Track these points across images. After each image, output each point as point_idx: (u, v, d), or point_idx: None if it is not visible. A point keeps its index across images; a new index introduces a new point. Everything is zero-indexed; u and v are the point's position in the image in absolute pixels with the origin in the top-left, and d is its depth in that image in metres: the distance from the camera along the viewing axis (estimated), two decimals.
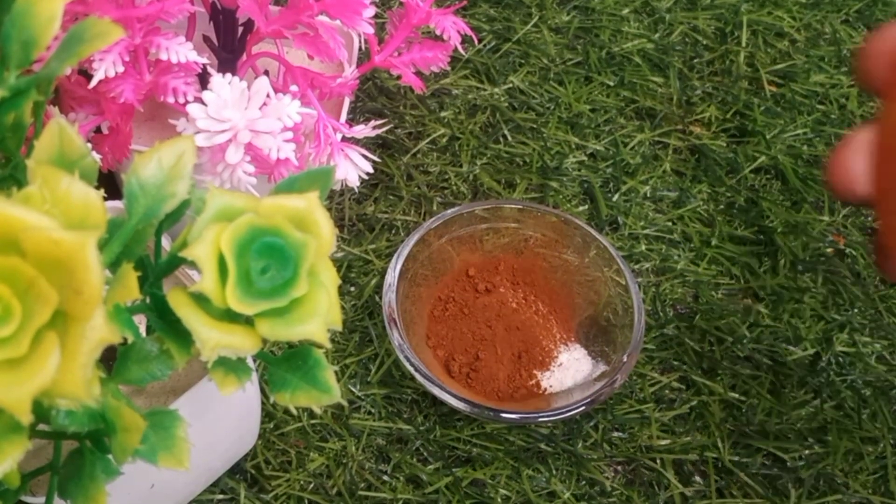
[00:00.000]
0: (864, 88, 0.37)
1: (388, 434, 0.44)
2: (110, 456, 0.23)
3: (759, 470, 0.45)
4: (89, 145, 0.37)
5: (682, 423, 0.46)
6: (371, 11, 0.40)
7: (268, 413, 0.44)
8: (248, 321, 0.21)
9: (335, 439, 0.44)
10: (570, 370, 0.46)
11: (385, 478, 0.43)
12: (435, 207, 0.52)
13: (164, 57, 0.39)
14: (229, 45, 0.44)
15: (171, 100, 0.40)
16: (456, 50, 0.45)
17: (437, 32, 0.44)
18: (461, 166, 0.55)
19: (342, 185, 0.44)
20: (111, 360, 0.23)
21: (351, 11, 0.40)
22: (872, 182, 0.35)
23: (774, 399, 0.47)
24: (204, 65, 0.40)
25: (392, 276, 0.45)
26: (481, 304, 0.47)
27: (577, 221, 0.48)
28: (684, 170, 0.56)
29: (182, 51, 0.39)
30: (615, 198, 0.54)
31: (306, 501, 0.42)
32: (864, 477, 0.45)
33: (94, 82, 0.38)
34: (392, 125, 0.56)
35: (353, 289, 0.49)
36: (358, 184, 0.43)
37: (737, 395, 0.47)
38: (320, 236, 0.22)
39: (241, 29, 0.43)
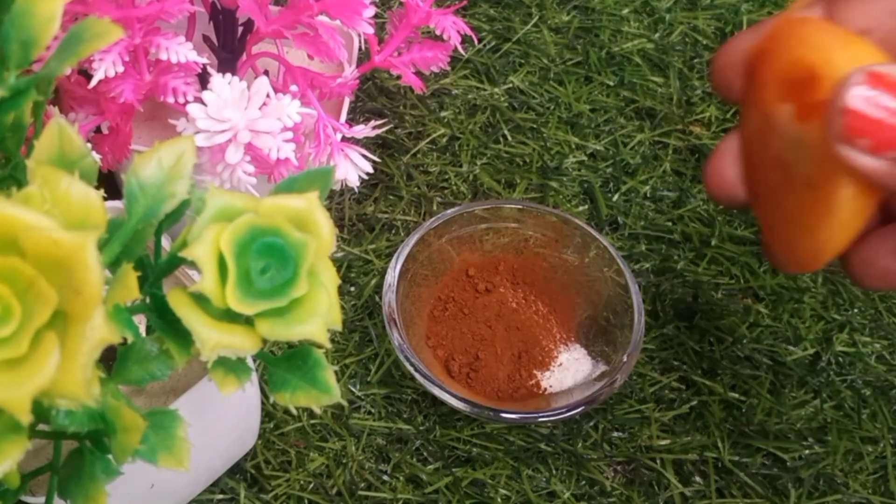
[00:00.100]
0: (722, 97, 0.38)
1: (388, 434, 0.44)
2: (110, 456, 0.23)
3: (759, 470, 0.45)
4: (89, 145, 0.37)
5: (682, 423, 0.46)
6: (371, 11, 0.40)
7: (268, 413, 0.44)
8: (248, 321, 0.21)
9: (335, 439, 0.44)
10: (570, 370, 0.46)
11: (385, 478, 0.43)
12: (435, 207, 0.52)
13: (164, 57, 0.39)
14: (229, 45, 0.44)
15: (171, 100, 0.40)
16: (456, 50, 0.45)
17: (437, 32, 0.44)
18: (461, 166, 0.55)
19: (342, 185, 0.44)
20: (111, 360, 0.23)
21: (351, 11, 0.40)
22: (745, 187, 0.36)
23: (774, 399, 0.47)
24: (204, 65, 0.40)
25: (392, 276, 0.45)
26: (481, 304, 0.47)
27: (577, 221, 0.48)
28: (684, 170, 0.56)
29: (182, 51, 0.39)
30: (615, 198, 0.54)
31: (306, 501, 0.42)
32: (864, 477, 0.45)
33: (93, 82, 0.38)
34: (392, 125, 0.56)
35: (353, 289, 0.49)
36: (358, 184, 0.43)
37: (737, 395, 0.47)
38: (320, 236, 0.22)
39: (241, 29, 0.43)
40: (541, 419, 0.42)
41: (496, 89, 0.59)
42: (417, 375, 0.42)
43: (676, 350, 0.48)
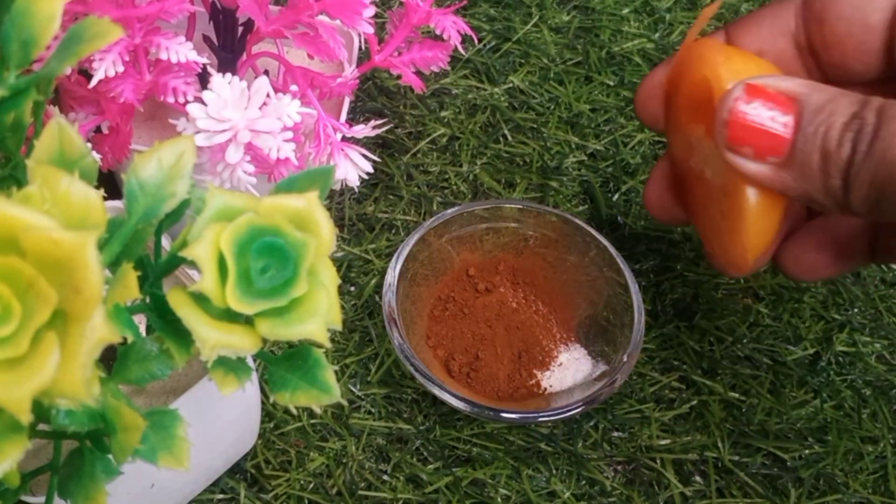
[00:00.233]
0: (649, 128, 0.42)
1: (388, 434, 0.44)
2: (110, 456, 0.23)
3: (759, 470, 0.45)
4: (89, 145, 0.37)
5: (682, 422, 0.46)
6: (371, 11, 0.40)
7: (268, 413, 0.44)
8: (247, 321, 0.21)
9: (335, 439, 0.44)
10: (570, 370, 0.46)
11: (385, 477, 0.43)
12: (435, 207, 0.52)
13: (164, 57, 0.39)
14: (229, 45, 0.44)
15: (171, 100, 0.40)
16: (456, 50, 0.45)
17: (437, 32, 0.44)
18: (461, 166, 0.55)
19: (342, 184, 0.44)
20: (111, 359, 0.23)
21: (351, 11, 0.40)
22: (682, 205, 0.40)
23: (774, 399, 0.47)
24: (204, 65, 0.40)
25: (392, 275, 0.45)
26: (481, 304, 0.47)
27: (577, 221, 0.48)
28: None
29: (182, 51, 0.39)
30: (615, 198, 0.54)
31: (306, 501, 0.42)
32: (864, 477, 0.45)
33: (94, 82, 0.38)
34: (392, 125, 0.56)
35: (353, 289, 0.49)
36: (358, 183, 0.43)
37: (737, 395, 0.47)
38: (320, 236, 0.22)
39: (241, 29, 0.43)
40: (541, 419, 0.42)
41: (496, 89, 0.59)
42: (417, 375, 0.42)
43: (676, 350, 0.48)
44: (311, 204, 0.22)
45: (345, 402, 0.45)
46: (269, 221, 0.21)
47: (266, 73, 0.44)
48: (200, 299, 0.21)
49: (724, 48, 0.37)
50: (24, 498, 0.32)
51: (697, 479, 0.44)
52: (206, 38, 0.44)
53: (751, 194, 0.35)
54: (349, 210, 0.52)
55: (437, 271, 0.48)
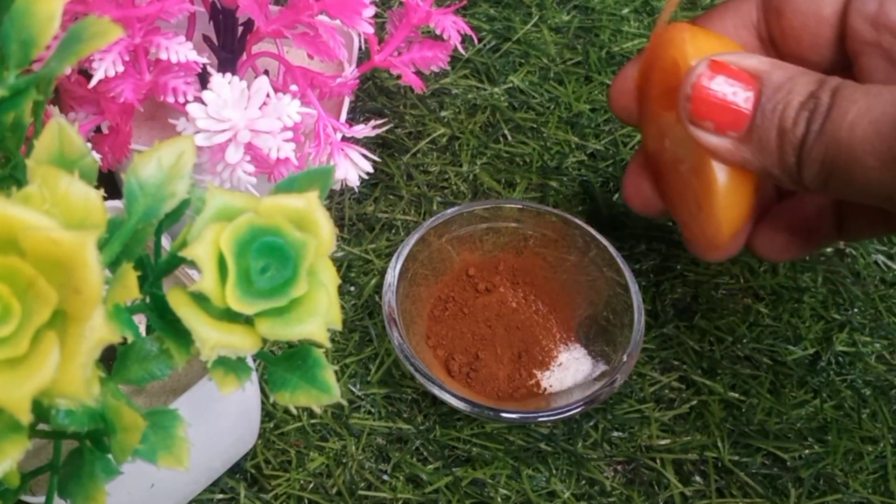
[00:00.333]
0: (624, 122, 0.43)
1: (388, 434, 0.44)
2: (110, 456, 0.23)
3: (759, 470, 0.45)
4: (89, 145, 0.37)
5: (682, 422, 0.46)
6: (371, 11, 0.40)
7: (268, 413, 0.44)
8: (247, 321, 0.21)
9: (335, 439, 0.44)
10: (570, 370, 0.46)
11: (385, 477, 0.43)
12: (435, 207, 0.52)
13: (164, 57, 0.39)
14: (229, 45, 0.44)
15: (171, 99, 0.40)
16: (456, 49, 0.45)
17: (437, 32, 0.44)
18: (461, 166, 0.55)
19: (342, 184, 0.44)
20: (111, 359, 0.23)
21: (351, 11, 0.40)
22: (660, 195, 0.40)
23: (774, 399, 0.47)
24: (204, 64, 0.40)
25: (392, 275, 0.45)
26: (481, 304, 0.47)
27: (577, 221, 0.48)
28: None
29: (182, 50, 0.39)
30: (615, 198, 0.54)
31: (306, 501, 0.42)
32: (864, 477, 0.45)
33: (93, 82, 0.38)
34: (392, 125, 0.56)
35: (353, 288, 0.49)
36: (358, 183, 0.43)
37: (737, 395, 0.47)
38: (320, 236, 0.22)
39: (241, 29, 0.43)
40: (541, 419, 0.42)
41: (496, 89, 0.59)
42: (417, 375, 0.42)
43: (676, 350, 0.48)
44: (311, 204, 0.22)
45: (345, 402, 0.45)
46: (269, 221, 0.21)
47: (266, 73, 0.44)
48: (200, 299, 0.21)
49: (689, 28, 0.37)
50: (24, 498, 0.32)
51: (697, 479, 0.44)
52: (206, 38, 0.44)
53: (719, 170, 0.36)
54: (349, 210, 0.52)
55: (437, 271, 0.48)
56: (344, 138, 0.43)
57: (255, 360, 0.43)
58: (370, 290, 0.49)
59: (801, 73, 0.33)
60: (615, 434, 0.45)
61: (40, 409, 0.20)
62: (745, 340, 0.49)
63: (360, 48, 0.48)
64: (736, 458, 0.45)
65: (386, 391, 0.46)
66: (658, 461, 0.45)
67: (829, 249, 0.53)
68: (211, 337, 0.21)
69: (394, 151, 0.55)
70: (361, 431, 0.44)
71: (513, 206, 0.48)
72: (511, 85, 0.59)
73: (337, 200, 0.52)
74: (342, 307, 0.48)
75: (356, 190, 0.52)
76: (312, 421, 0.44)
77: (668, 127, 0.38)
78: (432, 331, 0.46)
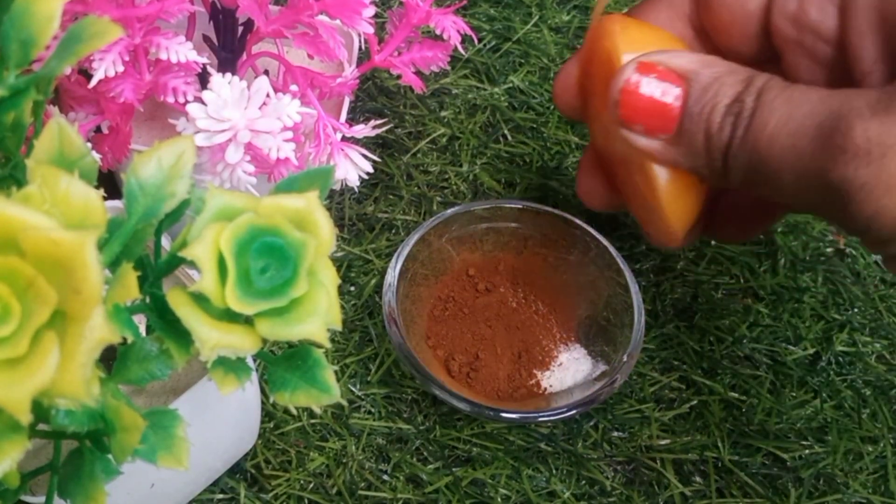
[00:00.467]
0: (571, 119, 0.43)
1: (388, 434, 0.44)
2: (110, 456, 0.23)
3: (759, 470, 0.45)
4: (89, 145, 0.37)
5: (682, 422, 0.46)
6: (371, 11, 0.40)
7: (268, 413, 0.44)
8: (247, 321, 0.21)
9: (335, 439, 0.44)
10: (570, 370, 0.46)
11: (385, 477, 0.43)
12: (435, 207, 0.52)
13: (164, 56, 0.39)
14: (229, 45, 0.44)
15: (171, 99, 0.40)
16: (456, 49, 0.45)
17: (437, 32, 0.44)
18: (461, 166, 0.55)
19: (342, 184, 0.44)
20: (111, 359, 0.23)
21: (351, 11, 0.40)
22: (614, 190, 0.40)
23: (774, 399, 0.47)
24: (204, 64, 0.40)
25: (392, 275, 0.45)
26: (481, 304, 0.47)
27: (577, 221, 0.48)
28: None
29: (182, 50, 0.39)
30: None
31: (306, 501, 0.42)
32: (864, 477, 0.45)
33: (93, 82, 0.38)
34: (392, 125, 0.56)
35: (353, 288, 0.49)
36: (358, 183, 0.43)
37: (737, 395, 0.47)
38: (320, 236, 0.22)
39: (241, 29, 0.43)
40: (541, 419, 0.42)
41: (496, 89, 0.59)
42: (417, 375, 0.42)
43: (676, 350, 0.48)
44: (311, 204, 0.22)
45: (345, 402, 0.45)
46: (268, 221, 0.21)
47: (266, 73, 0.44)
48: (200, 299, 0.21)
49: (621, 19, 0.37)
50: (24, 498, 0.32)
51: (697, 479, 0.44)
52: (206, 38, 0.44)
53: (659, 169, 0.35)
54: (349, 210, 0.52)
55: (437, 271, 0.48)
56: (344, 138, 0.43)
57: (255, 360, 0.43)
58: (370, 290, 0.49)
59: (729, 73, 0.33)
60: (615, 434, 0.45)
61: (40, 409, 0.20)
62: (745, 340, 0.49)
63: (360, 48, 0.48)
64: (736, 458, 0.45)
65: (386, 391, 0.46)
66: (658, 461, 0.45)
67: (829, 249, 0.53)
68: (211, 337, 0.21)
69: (394, 151, 0.55)
70: (361, 431, 0.44)
71: (513, 206, 0.48)
72: (511, 85, 0.59)
73: (337, 200, 0.52)
74: (342, 307, 0.48)
75: (356, 190, 0.52)
76: (312, 421, 0.44)
77: (611, 124, 0.38)
78: (432, 331, 0.46)
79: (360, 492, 0.43)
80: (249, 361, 0.32)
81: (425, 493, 0.43)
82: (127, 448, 0.22)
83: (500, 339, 0.46)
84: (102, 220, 0.20)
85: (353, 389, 0.46)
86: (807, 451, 0.45)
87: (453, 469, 0.44)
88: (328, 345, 0.21)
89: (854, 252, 0.53)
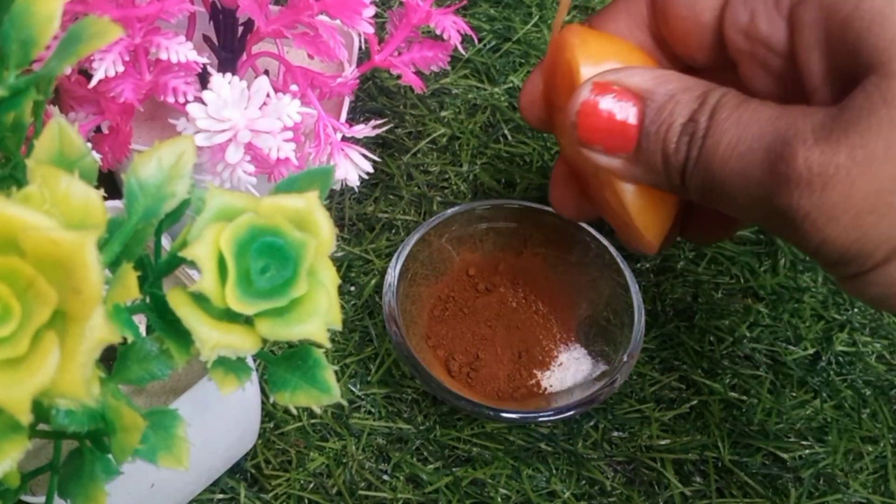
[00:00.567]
0: (538, 129, 0.43)
1: (388, 434, 0.44)
2: (110, 456, 0.23)
3: (759, 470, 0.45)
4: (89, 145, 0.37)
5: (682, 422, 0.46)
6: (371, 11, 0.40)
7: (268, 413, 0.44)
8: (247, 321, 0.21)
9: (335, 439, 0.44)
10: (570, 370, 0.46)
11: (385, 477, 0.43)
12: (435, 207, 0.52)
13: (164, 56, 0.39)
14: (229, 45, 0.44)
15: (171, 99, 0.40)
16: (456, 49, 0.45)
17: (437, 32, 0.44)
18: (461, 166, 0.55)
19: (342, 184, 0.44)
20: (111, 359, 0.23)
21: (351, 11, 0.40)
22: (590, 201, 0.40)
23: (774, 399, 0.47)
24: (204, 64, 0.40)
25: (392, 275, 0.45)
26: (481, 304, 0.47)
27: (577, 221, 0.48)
28: None
29: (182, 50, 0.39)
30: None
31: (306, 501, 0.42)
32: (864, 477, 0.45)
33: (93, 82, 0.38)
34: (392, 125, 0.56)
35: (353, 288, 0.49)
36: (358, 183, 0.43)
37: (737, 395, 0.47)
38: (320, 236, 0.22)
39: (241, 29, 0.43)
40: (541, 419, 0.42)
41: (496, 89, 0.59)
42: (417, 375, 0.42)
43: (676, 350, 0.48)
44: (311, 204, 0.22)
45: (345, 402, 0.45)
46: (269, 221, 0.21)
47: (266, 73, 0.44)
48: (200, 299, 0.21)
49: (580, 31, 0.37)
50: (24, 498, 0.32)
51: (697, 479, 0.44)
52: (206, 38, 0.44)
53: (626, 184, 0.36)
54: (349, 210, 0.52)
55: (437, 271, 0.48)
56: (344, 138, 0.43)
57: (255, 360, 0.43)
58: (370, 290, 0.49)
59: (684, 90, 0.33)
60: (615, 434, 0.45)
61: (40, 409, 0.20)
62: (745, 340, 0.49)
63: (360, 48, 0.48)
64: (736, 458, 0.45)
65: (386, 391, 0.46)
66: (658, 461, 0.45)
67: None
68: (211, 337, 0.21)
69: (394, 151, 0.55)
70: (361, 431, 0.44)
71: (513, 206, 0.48)
72: (511, 85, 0.59)
73: (337, 200, 0.52)
74: (342, 307, 0.48)
75: (356, 190, 0.52)
76: (312, 421, 0.44)
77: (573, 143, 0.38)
78: (432, 331, 0.46)
79: (360, 492, 0.43)
80: (249, 361, 0.32)
81: (425, 493, 0.43)
82: (127, 448, 0.22)
83: (500, 339, 0.46)
84: (102, 220, 0.20)
85: (353, 389, 0.46)
86: (807, 451, 0.45)
87: (453, 469, 0.44)
88: (328, 345, 0.21)
89: None
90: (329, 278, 0.22)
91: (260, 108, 0.38)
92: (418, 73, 0.45)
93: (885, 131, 0.28)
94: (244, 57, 0.44)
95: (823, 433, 0.46)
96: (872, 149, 0.28)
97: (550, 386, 0.45)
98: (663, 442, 0.45)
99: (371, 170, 0.43)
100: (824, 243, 0.29)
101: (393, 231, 0.51)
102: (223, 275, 0.21)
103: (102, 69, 0.38)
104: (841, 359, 0.49)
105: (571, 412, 0.41)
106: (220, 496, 0.42)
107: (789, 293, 0.51)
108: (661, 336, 0.49)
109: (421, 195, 0.53)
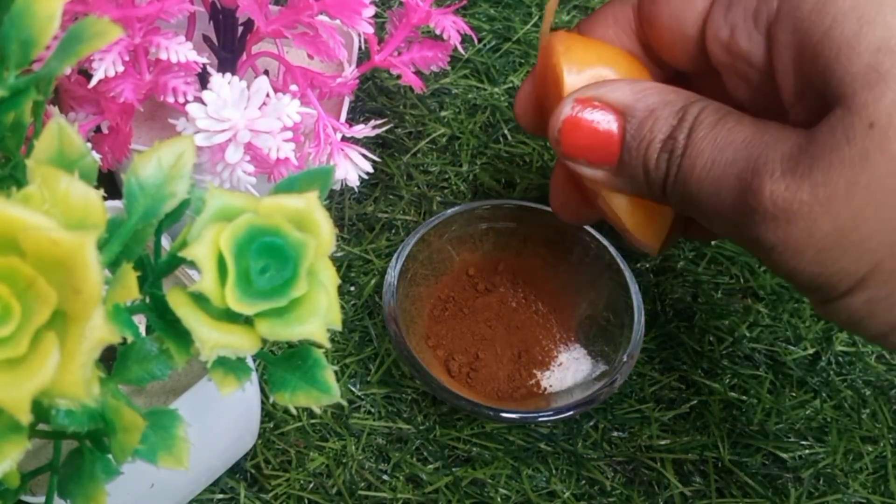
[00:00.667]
0: (534, 135, 0.43)
1: (388, 434, 0.44)
2: (110, 456, 0.23)
3: (759, 470, 0.45)
4: (89, 145, 0.37)
5: (682, 422, 0.46)
6: (371, 11, 0.40)
7: (268, 413, 0.44)
8: (247, 321, 0.21)
9: (335, 439, 0.44)
10: (570, 370, 0.46)
11: (385, 477, 0.43)
12: (435, 207, 0.52)
13: (163, 56, 0.39)
14: (229, 45, 0.44)
15: (171, 99, 0.40)
16: (456, 49, 0.45)
17: (437, 32, 0.44)
18: (461, 166, 0.55)
19: (342, 184, 0.44)
20: (111, 359, 0.23)
21: (351, 11, 0.40)
22: (591, 206, 0.40)
23: (774, 399, 0.47)
24: (204, 64, 0.40)
25: (392, 275, 0.45)
26: (481, 304, 0.47)
27: None
28: None
29: (182, 50, 0.39)
30: None
31: (306, 501, 0.42)
32: (864, 477, 0.45)
33: (93, 82, 0.38)
34: (392, 125, 0.56)
35: (353, 288, 0.49)
36: (358, 183, 0.43)
37: (737, 395, 0.47)
38: (320, 236, 0.22)
39: (241, 29, 0.43)
40: (541, 419, 0.42)
41: (496, 89, 0.59)
42: (417, 375, 0.42)
43: (676, 350, 0.48)
44: (310, 204, 0.22)
45: (345, 402, 0.45)
46: (268, 221, 0.21)
47: (266, 73, 0.44)
48: (200, 299, 0.21)
49: (566, 38, 0.37)
50: (24, 498, 0.32)
51: (697, 479, 0.44)
52: (206, 38, 0.44)
53: (616, 193, 0.36)
54: (349, 210, 0.52)
55: (437, 271, 0.48)
56: (344, 138, 0.43)
57: (255, 360, 0.43)
58: (370, 290, 0.49)
59: (664, 105, 0.33)
60: (615, 434, 0.45)
61: (40, 409, 0.20)
62: (745, 340, 0.49)
63: (360, 48, 0.48)
64: (736, 458, 0.45)
65: (386, 391, 0.46)
66: (658, 461, 0.45)
67: None
68: (211, 337, 0.21)
69: (394, 151, 0.55)
70: (361, 431, 0.44)
71: (512, 206, 0.48)
72: (511, 85, 0.59)
73: (337, 200, 0.52)
74: (342, 307, 0.48)
75: (356, 190, 0.52)
76: (312, 421, 0.44)
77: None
78: (432, 331, 0.46)
79: (360, 492, 0.43)
80: (249, 361, 0.32)
81: (425, 493, 0.43)
82: (127, 448, 0.22)
83: (500, 339, 0.46)
84: (102, 220, 0.20)
85: (353, 389, 0.46)
86: (807, 451, 0.45)
87: (453, 469, 0.44)
88: (328, 345, 0.21)
89: None
90: (329, 278, 0.22)
91: (260, 108, 0.38)
92: (418, 73, 0.45)
93: (846, 171, 0.28)
94: (244, 57, 0.44)
95: (823, 433, 0.46)
96: (834, 187, 0.28)
97: (550, 386, 0.45)
98: (663, 442, 0.45)
99: (371, 170, 0.43)
100: (791, 273, 0.30)
101: (393, 231, 0.51)
102: (223, 275, 0.21)
103: (102, 69, 0.38)
104: (841, 359, 0.49)
105: (571, 412, 0.42)
106: (220, 496, 0.42)
107: (789, 293, 0.51)
108: (661, 336, 0.49)
109: (421, 195, 0.53)
